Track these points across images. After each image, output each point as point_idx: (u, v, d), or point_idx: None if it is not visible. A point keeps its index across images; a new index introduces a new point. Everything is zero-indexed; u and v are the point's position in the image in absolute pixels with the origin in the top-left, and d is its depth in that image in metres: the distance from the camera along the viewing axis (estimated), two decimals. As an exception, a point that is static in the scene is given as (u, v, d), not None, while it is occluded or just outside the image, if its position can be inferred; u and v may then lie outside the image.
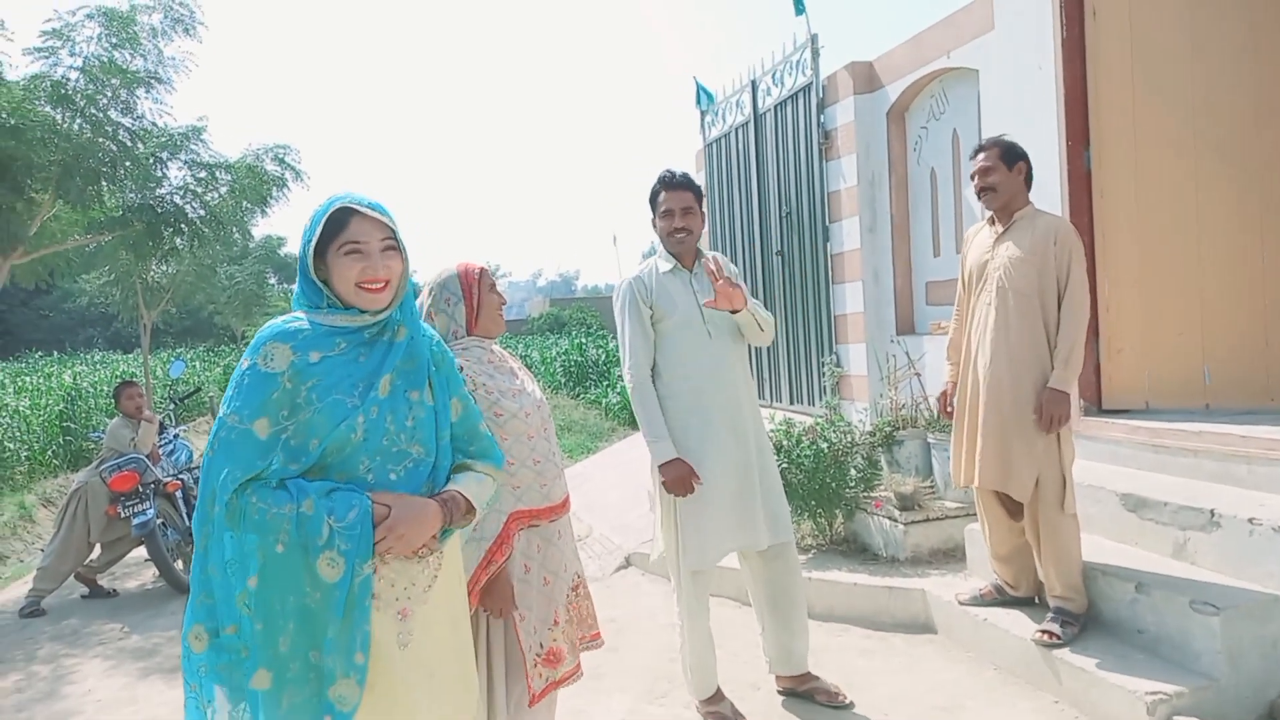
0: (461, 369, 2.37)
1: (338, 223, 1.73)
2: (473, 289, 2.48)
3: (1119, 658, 3.00)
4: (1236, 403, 3.96)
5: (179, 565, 5.56)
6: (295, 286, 1.80)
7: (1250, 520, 3.03)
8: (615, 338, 18.80)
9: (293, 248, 31.03)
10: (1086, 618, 3.24)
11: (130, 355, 23.87)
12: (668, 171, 3.21)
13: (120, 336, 32.50)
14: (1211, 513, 3.16)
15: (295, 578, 1.63)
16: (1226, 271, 4.01)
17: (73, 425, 12.09)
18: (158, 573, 5.75)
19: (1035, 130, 4.22)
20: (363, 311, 1.75)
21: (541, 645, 2.40)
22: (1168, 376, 4.09)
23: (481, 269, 2.51)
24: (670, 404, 3.14)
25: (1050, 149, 4.18)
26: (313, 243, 1.73)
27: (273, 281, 25.36)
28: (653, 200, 3.24)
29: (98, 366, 19.98)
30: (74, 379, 15.10)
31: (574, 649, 2.51)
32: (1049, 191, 4.07)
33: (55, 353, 28.25)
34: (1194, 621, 2.87)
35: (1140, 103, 4.11)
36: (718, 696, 3.20)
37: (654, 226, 3.25)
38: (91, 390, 14.14)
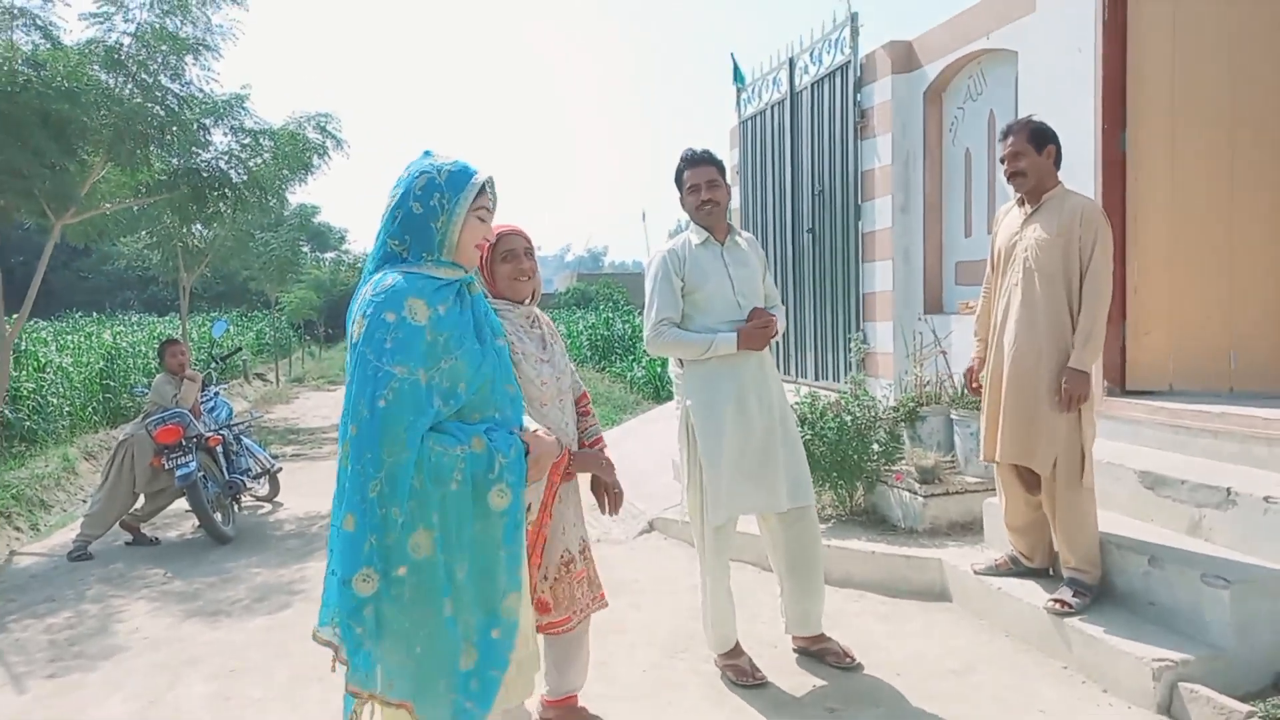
0: None
1: (479, 188, 1.95)
2: (484, 259, 2.54)
3: (1129, 627, 3.08)
4: (1262, 386, 3.99)
5: (218, 517, 5.77)
6: (390, 240, 1.93)
7: (1266, 499, 3.08)
8: (642, 314, 18.97)
9: (326, 217, 31.42)
10: (1099, 589, 3.32)
11: (165, 318, 24.32)
12: (689, 150, 3.34)
13: (156, 299, 33.12)
14: (1228, 491, 3.22)
15: (467, 511, 1.83)
16: (1257, 256, 4.03)
17: (112, 383, 12.43)
18: (197, 523, 5.97)
19: (1072, 112, 4.24)
20: (460, 267, 1.97)
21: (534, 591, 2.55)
22: (1193, 359, 4.12)
23: (498, 236, 2.53)
24: (698, 369, 3.25)
25: (1086, 131, 4.20)
26: (465, 202, 1.92)
27: (305, 250, 25.65)
28: (678, 179, 3.36)
29: (135, 327, 20.42)
30: (114, 338, 15.48)
31: (572, 604, 2.63)
32: (1083, 173, 4.10)
33: (95, 313, 28.87)
34: (1205, 594, 2.94)
35: (1179, 86, 4.11)
36: (736, 651, 3.33)
37: (682, 205, 3.36)
38: (130, 350, 14.50)
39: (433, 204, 1.90)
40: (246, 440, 6.73)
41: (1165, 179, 4.14)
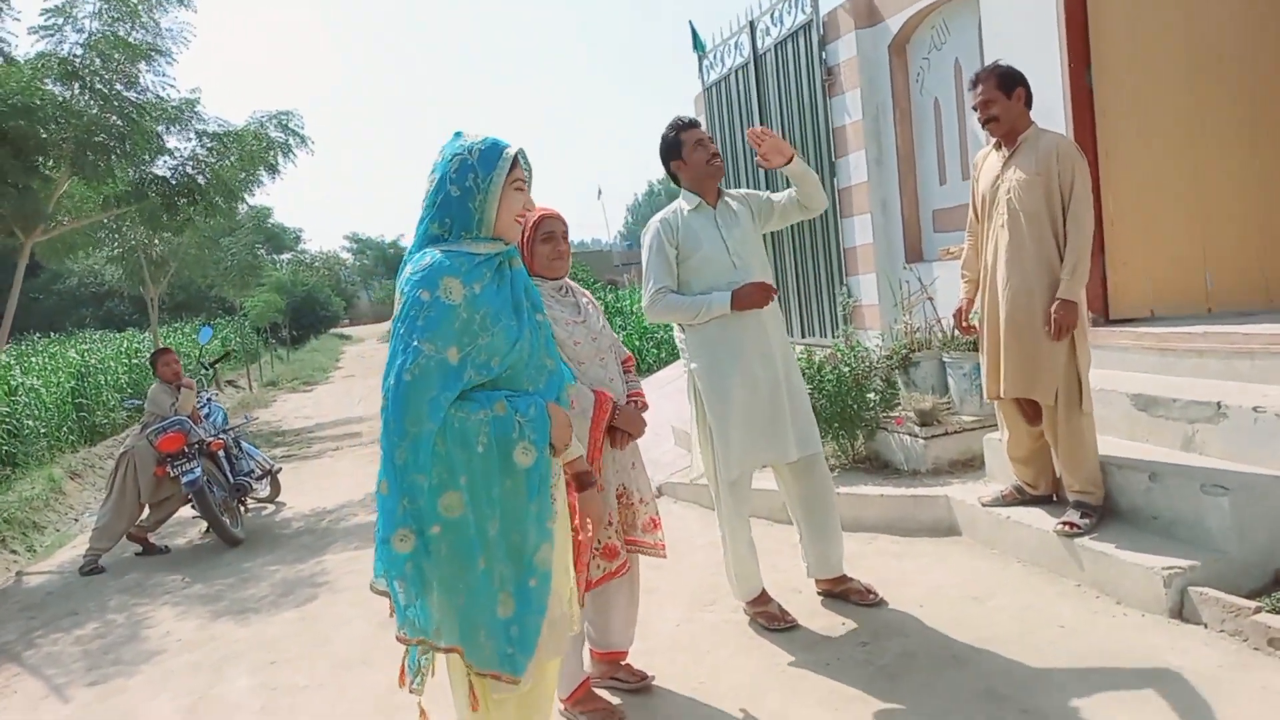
0: None
1: (511, 161, 2.01)
2: (524, 238, 2.69)
3: (1136, 541, 3.25)
4: (1237, 305, 4.18)
5: (226, 520, 5.79)
6: (432, 224, 2.00)
7: (1255, 409, 3.25)
8: (609, 289, 18.74)
9: (280, 218, 30.94)
10: (1104, 509, 3.48)
11: (125, 333, 23.85)
12: (677, 118, 3.42)
13: (113, 315, 32.44)
14: (1218, 405, 3.39)
15: (495, 471, 1.92)
16: (1224, 181, 4.19)
17: (85, 401, 12.26)
18: (206, 528, 6.00)
19: (1037, 53, 4.35)
20: (500, 241, 2.02)
21: (599, 541, 2.74)
22: (1171, 285, 4.30)
23: (539, 219, 2.72)
24: (700, 333, 3.34)
25: (1053, 71, 4.32)
26: (500, 178, 1.97)
27: (261, 252, 25.32)
28: (673, 147, 3.40)
29: (100, 344, 20.07)
30: (82, 357, 15.22)
31: (622, 547, 2.83)
32: (1054, 112, 4.23)
33: (52, 334, 28.25)
34: (1205, 503, 3.11)
35: (1139, 22, 4.25)
36: (764, 598, 3.45)
37: (682, 171, 3.41)
38: (100, 366, 14.28)
39: (468, 184, 1.97)
40: (245, 443, 6.74)
41: (1133, 112, 4.28)
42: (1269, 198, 4.14)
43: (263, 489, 6.84)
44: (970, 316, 3.79)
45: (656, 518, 2.96)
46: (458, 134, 2.04)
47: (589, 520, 2.30)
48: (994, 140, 3.60)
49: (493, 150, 2.00)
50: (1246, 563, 3.03)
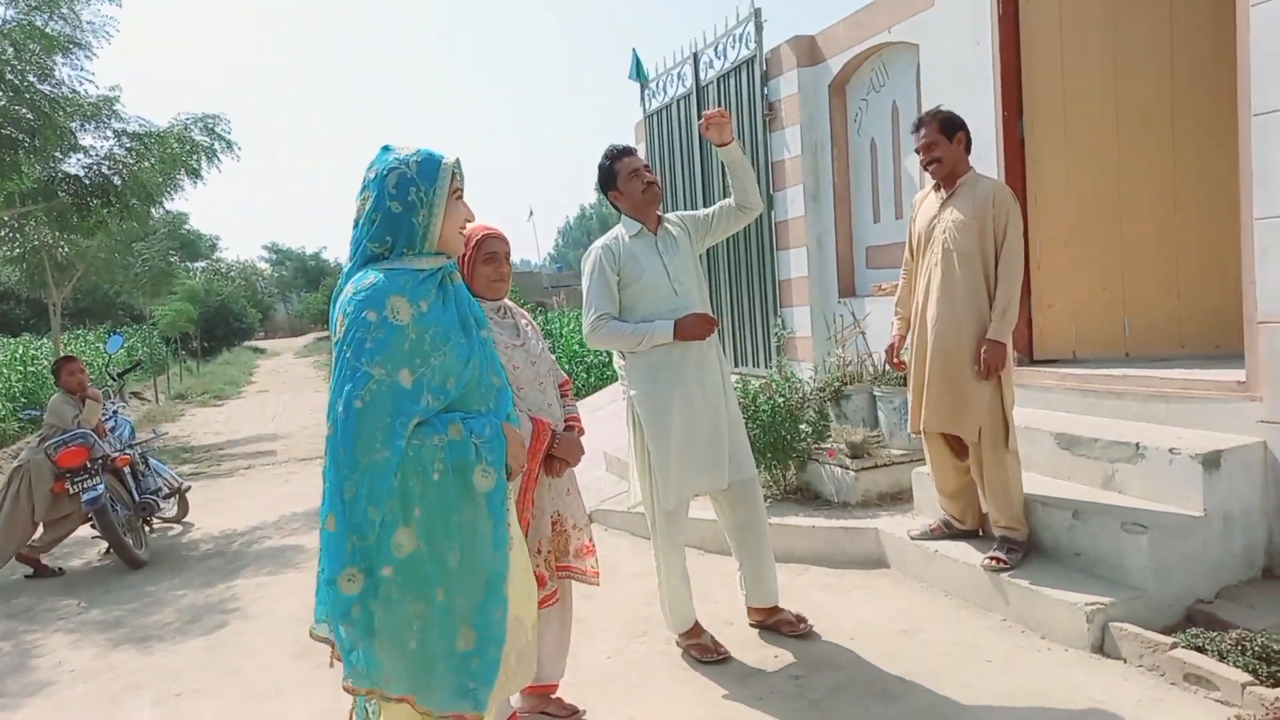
0: None
1: (450, 171, 1.94)
2: (465, 256, 2.62)
3: (1060, 577, 3.33)
4: (1153, 351, 4.37)
5: (129, 540, 5.46)
6: (371, 244, 1.90)
7: (1170, 450, 3.39)
8: (540, 310, 18.61)
9: (196, 224, 29.82)
10: (1028, 545, 3.57)
11: (19, 338, 22.55)
12: (612, 146, 3.41)
13: (7, 318, 30.67)
14: (1137, 446, 3.52)
15: (452, 498, 1.84)
16: (1144, 232, 4.40)
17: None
18: (106, 549, 5.65)
19: (973, 101, 4.51)
20: (441, 255, 1.95)
21: None
22: (1092, 328, 4.47)
23: (483, 238, 2.64)
24: (640, 361, 3.32)
25: (987, 119, 4.48)
26: (443, 191, 1.91)
27: (175, 259, 24.41)
28: (609, 176, 3.38)
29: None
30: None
31: (553, 575, 2.75)
32: (986, 158, 4.37)
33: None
34: (1125, 541, 3.22)
35: (1069, 75, 4.44)
36: (697, 630, 3.42)
37: (618, 200, 3.39)
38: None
39: (411, 199, 1.89)
40: (153, 460, 6.39)
41: (1061, 162, 4.47)
42: (1185, 251, 4.36)
43: (170, 508, 6.49)
44: (902, 353, 3.86)
45: (590, 544, 2.90)
46: (386, 147, 1.96)
47: None
48: (933, 182, 3.70)
49: (430, 162, 1.92)
50: (1163, 599, 3.14)
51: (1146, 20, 4.35)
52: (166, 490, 6.34)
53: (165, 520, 6.54)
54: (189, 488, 6.86)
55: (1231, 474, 3.29)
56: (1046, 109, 4.46)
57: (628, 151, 3.38)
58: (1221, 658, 2.75)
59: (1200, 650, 2.81)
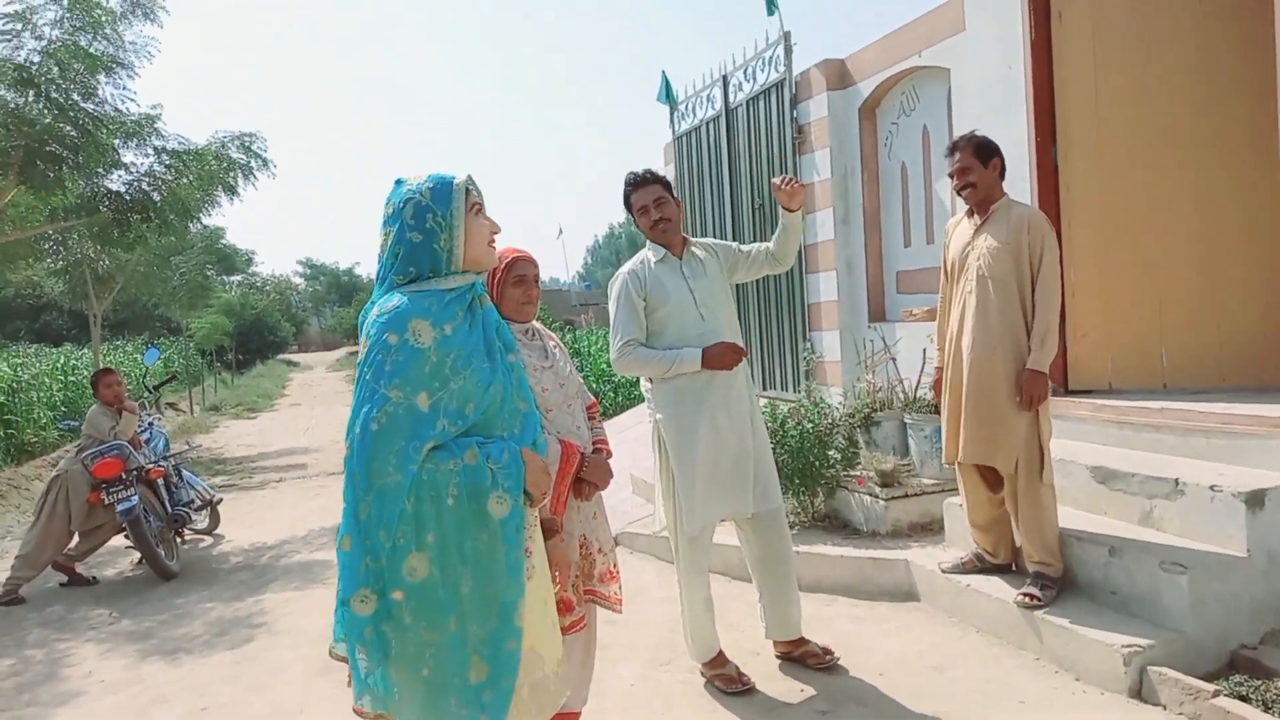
0: None
1: (464, 190, 1.92)
2: (495, 278, 2.64)
3: (1095, 616, 3.25)
4: (1191, 382, 4.27)
5: (161, 552, 5.53)
6: (396, 276, 1.90)
7: (1211, 487, 3.30)
8: (566, 328, 18.66)
9: (231, 238, 30.34)
10: (1063, 582, 3.48)
11: (62, 348, 23.00)
12: (631, 173, 3.42)
13: (50, 328, 31.38)
14: (1176, 482, 3.43)
15: (468, 524, 1.81)
16: (1180, 259, 4.31)
17: (14, 418, 11.73)
18: (139, 559, 5.72)
19: (1005, 127, 4.46)
20: (470, 272, 1.94)
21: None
22: (1128, 358, 4.38)
23: (512, 260, 2.65)
24: (667, 384, 3.31)
25: (1020, 144, 4.43)
26: (460, 210, 1.90)
27: (212, 273, 24.83)
28: (626, 204, 3.44)
29: (33, 358, 19.31)
30: (14, 371, 14.61)
31: (580, 601, 2.71)
32: (1019, 184, 4.32)
33: (-18, 346, 27.13)
34: (1163, 580, 3.13)
35: (1102, 100, 4.38)
36: (721, 659, 3.38)
37: (637, 226, 3.44)
38: (33, 382, 13.71)
39: (429, 225, 1.89)
40: (186, 471, 6.48)
41: (1095, 188, 4.40)
42: (1222, 278, 4.26)
43: (201, 520, 6.57)
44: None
45: (614, 569, 2.87)
46: (399, 181, 1.96)
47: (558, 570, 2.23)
48: (966, 208, 3.66)
49: (443, 185, 1.92)
50: (1204, 643, 3.05)
51: (1179, 48, 4.28)
52: (199, 502, 6.42)
53: (197, 532, 6.61)
54: (220, 500, 6.94)
55: (1275, 513, 3.19)
56: (1080, 133, 4.40)
57: (644, 182, 3.37)
58: (1267, 708, 2.66)
59: (1244, 700, 2.72)
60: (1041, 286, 3.43)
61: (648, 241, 3.43)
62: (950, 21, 5.07)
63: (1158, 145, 4.32)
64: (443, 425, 1.81)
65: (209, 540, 6.62)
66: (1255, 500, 3.17)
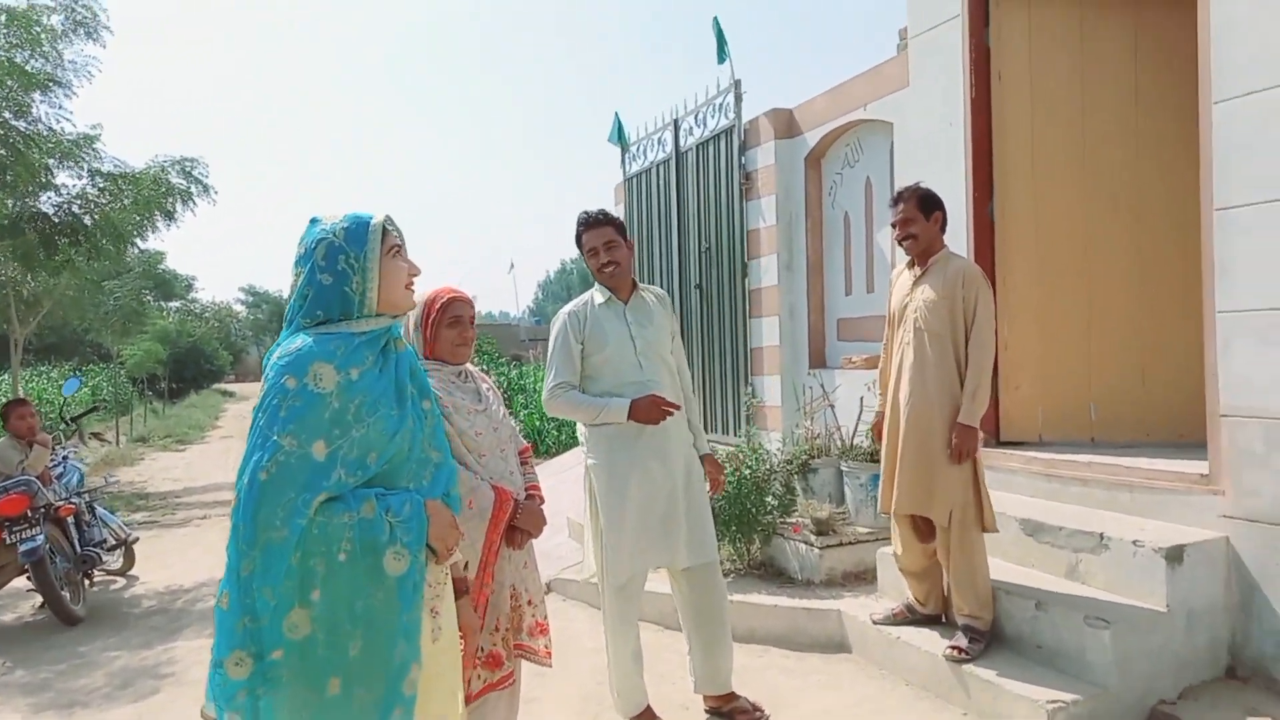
0: None
1: (381, 231, 1.84)
2: (429, 319, 2.57)
3: (1022, 670, 3.25)
4: (1118, 437, 4.35)
5: (66, 595, 5.24)
6: (304, 319, 1.81)
7: (1134, 542, 3.34)
8: (513, 365, 18.43)
9: (173, 263, 29.53)
10: (991, 634, 3.48)
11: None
12: (584, 213, 3.36)
13: (-38, 353, 30.08)
14: (1101, 536, 3.47)
15: (359, 581, 1.70)
16: (1111, 316, 4.42)
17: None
18: (40, 603, 5.41)
19: (945, 181, 4.54)
20: (384, 316, 1.86)
21: (482, 649, 2.52)
22: (1059, 412, 4.46)
23: (448, 301, 2.59)
24: (603, 430, 3.25)
25: (958, 199, 4.52)
26: (374, 253, 1.81)
27: (149, 299, 24.14)
28: (578, 242, 3.37)
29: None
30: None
31: (510, 655, 2.61)
32: (957, 238, 4.40)
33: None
34: (1088, 635, 3.14)
35: (1039, 158, 4.50)
36: (649, 714, 3.28)
37: (587, 266, 3.39)
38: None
39: (341, 268, 1.80)
40: (100, 508, 6.18)
41: (1030, 244, 4.50)
42: (1151, 338, 4.38)
43: (114, 560, 6.25)
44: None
45: (544, 621, 2.78)
46: (314, 220, 1.88)
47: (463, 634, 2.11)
48: (908, 259, 3.71)
49: (358, 226, 1.83)
50: (1126, 698, 3.06)
51: (1114, 109, 4.43)
52: (112, 541, 6.12)
53: (109, 573, 6.30)
54: (137, 539, 6.63)
55: (1195, 569, 3.24)
56: (1017, 192, 4.51)
57: (596, 223, 3.30)
58: (1185, 765, 2.66)
59: (1163, 756, 2.72)
60: (975, 339, 3.47)
61: (595, 282, 3.37)
62: (895, 77, 5.19)
63: (1092, 204, 4.44)
64: (339, 476, 1.70)
65: (121, 582, 6.30)
66: (1175, 556, 3.22)
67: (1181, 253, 4.26)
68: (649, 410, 3.14)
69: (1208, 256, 3.44)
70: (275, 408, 1.67)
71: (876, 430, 3.85)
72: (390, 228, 1.88)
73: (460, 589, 2.06)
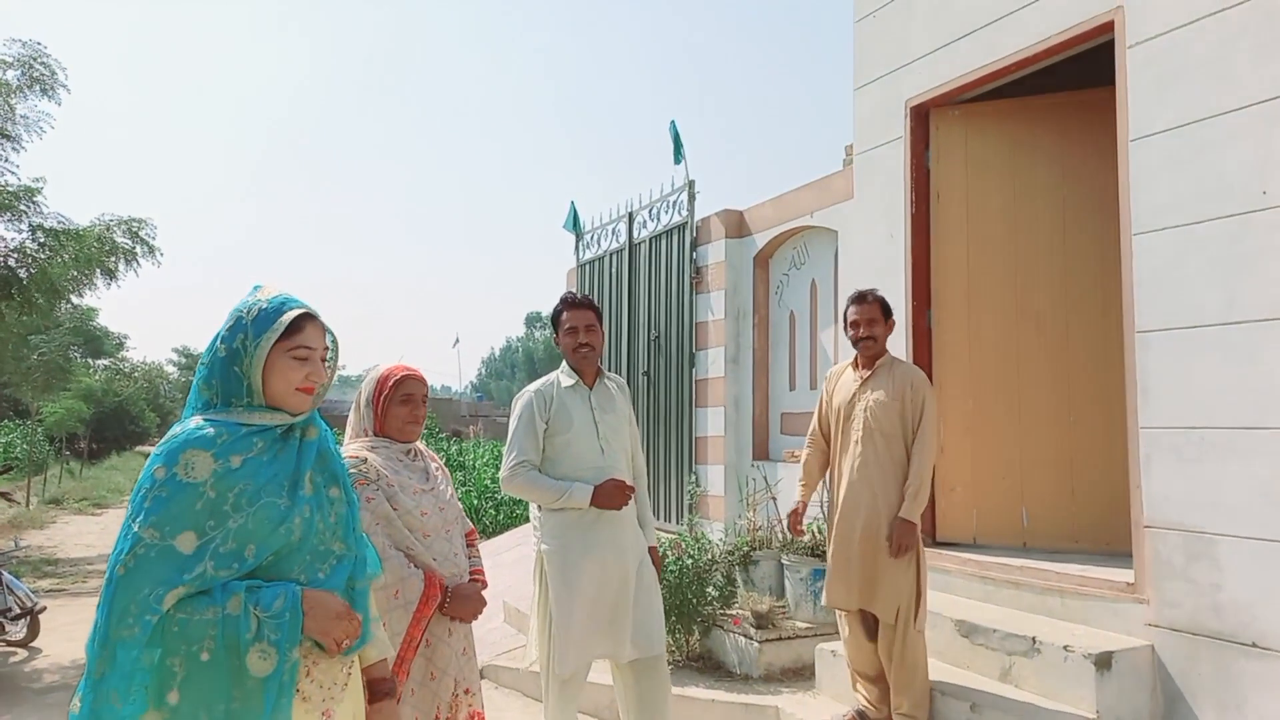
0: (366, 460, 2.49)
1: (291, 325, 1.76)
2: (381, 395, 2.59)
3: (957, 774, 3.27)
4: (1049, 543, 4.50)
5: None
6: (203, 386, 1.76)
7: (1065, 647, 3.43)
8: (453, 440, 18.12)
9: (106, 320, 28.67)
10: (927, 736, 3.50)
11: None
12: (569, 293, 3.49)
13: None
14: (1033, 640, 3.55)
15: (221, 683, 1.59)
16: (1041, 425, 4.62)
17: None
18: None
19: (886, 288, 4.68)
20: (282, 411, 1.77)
21: None
22: (992, 515, 4.60)
23: (401, 378, 2.61)
24: (558, 515, 3.25)
25: (898, 307, 4.68)
26: (267, 343, 1.73)
27: (76, 355, 23.33)
28: (555, 319, 3.44)
29: None
30: None
31: None
32: (896, 344, 4.55)
33: None
34: (1020, 740, 3.19)
35: (973, 272, 4.76)
36: (584, 812, 3.20)
37: (557, 344, 3.44)
38: None
39: (236, 345, 1.74)
40: (5, 574, 5.86)
41: (964, 353, 4.72)
42: (1078, 450, 4.58)
43: (17, 630, 5.90)
44: (803, 522, 3.88)
45: (481, 712, 2.72)
46: (256, 287, 1.83)
47: None
48: (848, 360, 3.84)
49: (273, 311, 1.76)
50: (1058, 806, 3.09)
51: (1043, 233, 4.73)
52: (16, 610, 5.79)
53: (10, 644, 5.93)
54: (43, 608, 6.27)
55: (1123, 677, 3.34)
56: (952, 302, 4.75)
57: (581, 305, 3.38)
58: None
59: None
60: (920, 440, 3.59)
61: (563, 364, 3.42)
62: (841, 189, 5.47)
63: (1022, 320, 4.69)
64: (207, 569, 1.60)
65: (23, 654, 5.93)
66: (1104, 662, 3.31)
67: (1106, 370, 4.50)
68: (612, 495, 3.17)
69: (1130, 375, 3.66)
70: (141, 499, 1.61)
71: (793, 518, 3.89)
72: (309, 327, 1.79)
73: (384, 690, 1.94)
